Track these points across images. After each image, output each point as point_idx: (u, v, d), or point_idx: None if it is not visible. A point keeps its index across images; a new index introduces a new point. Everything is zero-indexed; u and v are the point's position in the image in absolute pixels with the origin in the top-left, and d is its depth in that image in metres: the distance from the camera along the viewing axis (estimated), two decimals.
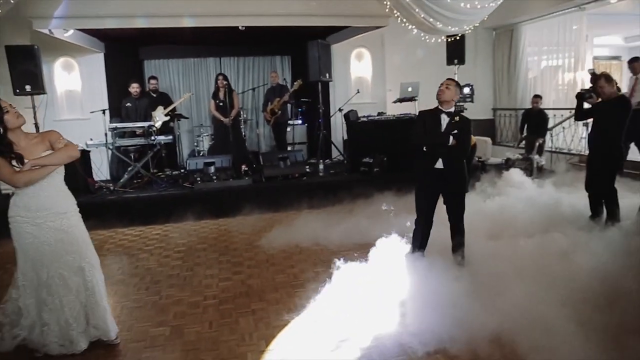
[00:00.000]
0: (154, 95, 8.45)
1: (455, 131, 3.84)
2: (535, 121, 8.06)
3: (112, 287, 4.18)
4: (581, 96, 5.22)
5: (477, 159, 7.87)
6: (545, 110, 8.26)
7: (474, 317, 3.06)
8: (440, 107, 3.97)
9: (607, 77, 4.86)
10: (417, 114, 7.71)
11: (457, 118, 3.93)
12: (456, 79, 8.03)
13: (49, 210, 3.02)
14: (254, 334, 3.27)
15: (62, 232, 3.06)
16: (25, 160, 2.94)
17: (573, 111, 6.60)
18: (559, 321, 2.92)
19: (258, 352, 3.03)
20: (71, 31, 7.14)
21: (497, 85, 10.56)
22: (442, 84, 4.00)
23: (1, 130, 2.90)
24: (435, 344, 2.92)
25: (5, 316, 3.10)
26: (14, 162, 2.92)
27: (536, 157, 7.70)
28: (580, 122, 7.48)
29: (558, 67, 9.15)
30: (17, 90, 6.52)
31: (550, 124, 8.33)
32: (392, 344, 3.01)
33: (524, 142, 8.28)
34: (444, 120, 3.92)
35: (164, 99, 8.45)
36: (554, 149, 8.51)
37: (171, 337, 3.30)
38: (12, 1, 5.25)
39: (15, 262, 3.02)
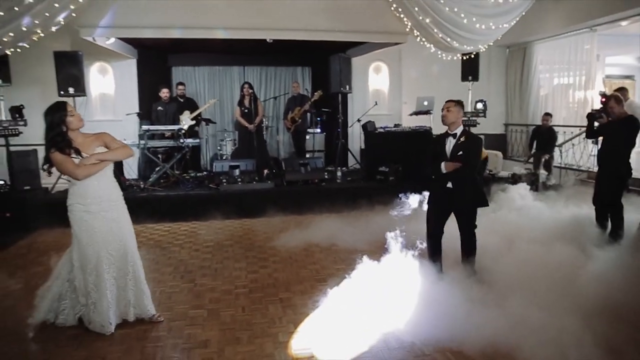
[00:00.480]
0: (181, 101, 8.95)
1: (460, 152, 3.95)
2: (544, 138, 8.36)
3: (149, 275, 4.49)
4: (592, 116, 5.57)
5: (488, 171, 8.21)
6: (556, 127, 8.58)
7: (477, 320, 3.29)
8: (448, 130, 4.10)
9: (617, 99, 5.20)
10: (431, 127, 8.18)
11: (462, 139, 4.00)
12: (470, 94, 8.51)
13: (102, 198, 3.45)
14: (283, 318, 3.67)
15: (113, 222, 3.50)
16: (84, 154, 3.39)
17: (583, 129, 6.94)
18: (560, 329, 3.09)
19: (287, 333, 3.43)
20: (112, 39, 7.67)
21: (509, 101, 10.91)
22: (443, 108, 4.09)
23: (64, 129, 3.36)
24: (442, 339, 3.21)
25: (66, 296, 3.54)
26: (73, 155, 3.36)
27: (542, 172, 7.99)
28: (590, 140, 7.80)
29: (569, 85, 9.47)
30: (62, 92, 7.06)
31: (560, 141, 8.65)
32: (406, 334, 3.33)
33: (532, 158, 8.59)
34: (450, 143, 4.05)
35: (190, 104, 8.94)
36: (563, 165, 8.82)
37: (209, 318, 3.70)
38: (62, 22, 5.80)
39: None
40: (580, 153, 8.64)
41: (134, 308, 3.57)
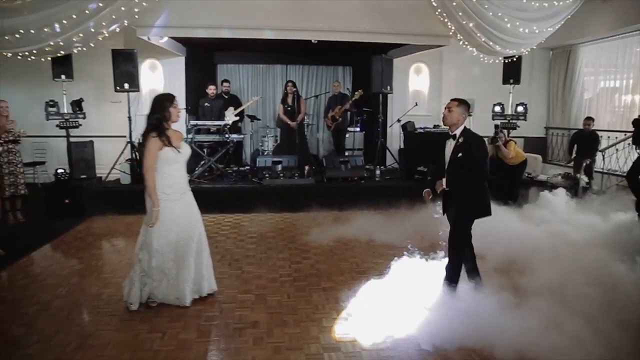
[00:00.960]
0: (226, 97, 9.30)
1: (460, 154, 3.68)
2: (586, 142, 8.21)
3: None
4: (638, 122, 5.55)
5: (527, 174, 8.18)
6: (600, 132, 8.41)
7: (508, 327, 3.25)
8: (449, 131, 3.83)
9: None
10: (470, 128, 8.20)
11: (460, 140, 3.70)
12: (510, 97, 8.47)
13: (179, 187, 3.85)
14: (326, 305, 3.91)
15: (188, 206, 3.90)
16: (174, 144, 3.72)
17: (628, 134, 6.83)
18: (606, 344, 3.04)
19: (331, 319, 3.66)
20: (165, 38, 8.08)
21: (551, 104, 10.75)
22: (444, 107, 3.85)
23: (166, 116, 3.72)
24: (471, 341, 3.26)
25: (138, 275, 3.85)
26: (166, 143, 3.68)
27: (583, 177, 7.88)
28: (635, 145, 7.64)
29: (616, 89, 9.27)
30: (118, 88, 7.52)
31: (603, 146, 8.50)
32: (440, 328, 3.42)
33: (572, 162, 8.47)
34: (449, 145, 3.81)
35: (234, 101, 9.29)
36: (605, 171, 8.66)
37: (257, 302, 3.98)
38: (126, 24, 6.25)
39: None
40: (624, 158, 8.46)
41: (207, 282, 3.95)
